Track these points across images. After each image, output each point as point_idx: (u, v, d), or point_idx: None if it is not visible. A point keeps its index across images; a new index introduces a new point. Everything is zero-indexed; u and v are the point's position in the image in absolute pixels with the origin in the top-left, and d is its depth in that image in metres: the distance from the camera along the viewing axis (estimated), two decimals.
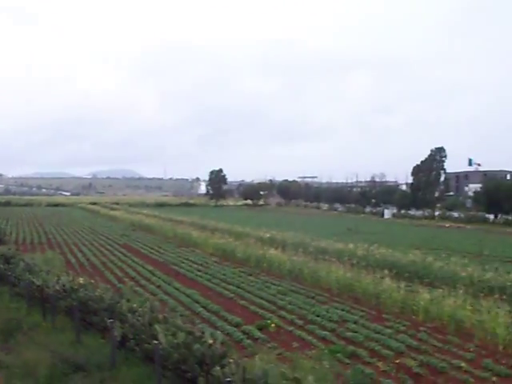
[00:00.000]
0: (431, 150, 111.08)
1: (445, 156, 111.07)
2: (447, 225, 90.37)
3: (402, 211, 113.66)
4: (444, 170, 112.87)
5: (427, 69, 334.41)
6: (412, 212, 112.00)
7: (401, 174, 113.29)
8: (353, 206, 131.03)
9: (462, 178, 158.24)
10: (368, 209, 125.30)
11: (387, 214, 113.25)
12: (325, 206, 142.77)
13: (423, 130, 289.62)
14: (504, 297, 23.47)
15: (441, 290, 23.70)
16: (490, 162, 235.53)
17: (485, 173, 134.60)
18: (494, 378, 15.41)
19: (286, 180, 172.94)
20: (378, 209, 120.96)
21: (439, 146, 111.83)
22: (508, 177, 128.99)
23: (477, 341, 19.22)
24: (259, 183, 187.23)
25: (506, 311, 19.89)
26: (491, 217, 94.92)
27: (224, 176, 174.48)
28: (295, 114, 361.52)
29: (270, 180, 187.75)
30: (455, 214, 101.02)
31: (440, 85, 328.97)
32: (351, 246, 39.70)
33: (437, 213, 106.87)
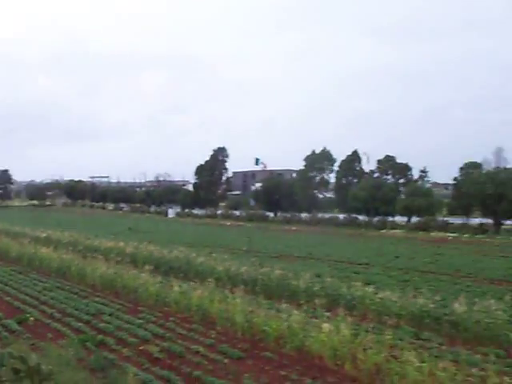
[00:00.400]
0: (213, 150, 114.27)
1: (227, 156, 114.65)
2: (228, 223, 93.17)
3: (186, 210, 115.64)
4: (226, 169, 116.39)
5: (222, 68, 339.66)
6: (196, 211, 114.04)
7: (191, 174, 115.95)
8: (138, 205, 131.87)
9: (250, 176, 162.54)
10: (153, 208, 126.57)
11: (171, 213, 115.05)
12: (111, 206, 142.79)
13: (217, 130, 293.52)
14: (249, 288, 25.57)
15: (193, 283, 25.29)
16: (279, 161, 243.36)
17: (271, 172, 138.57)
18: (226, 360, 16.79)
19: (73, 180, 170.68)
20: (163, 208, 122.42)
21: (221, 146, 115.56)
22: (294, 175, 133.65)
23: (219, 328, 20.65)
24: (46, 183, 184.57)
25: (245, 301, 21.53)
26: (271, 214, 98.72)
27: (9, 176, 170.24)
28: (90, 112, 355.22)
29: (57, 180, 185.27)
30: (237, 213, 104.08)
31: (234, 84, 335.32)
32: (122, 243, 40.80)
33: (220, 211, 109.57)
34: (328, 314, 19.58)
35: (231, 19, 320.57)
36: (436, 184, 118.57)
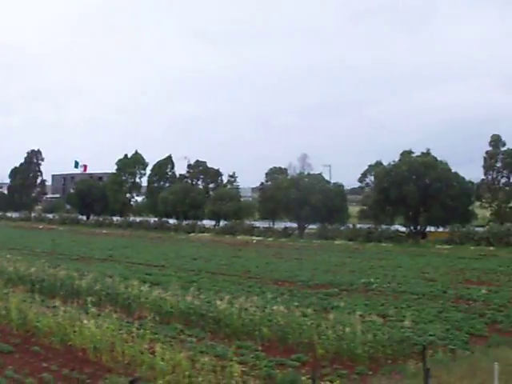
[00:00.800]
0: (27, 153, 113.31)
1: (42, 158, 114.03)
2: (41, 226, 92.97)
3: (0, 213, 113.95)
4: (41, 172, 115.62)
5: (49, 67, 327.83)
6: (10, 214, 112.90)
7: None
8: None
9: (69, 179, 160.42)
10: None
11: None
12: None
13: (43, 131, 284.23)
14: (36, 287, 27.43)
15: None
16: (103, 165, 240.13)
17: (91, 175, 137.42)
18: None
19: None
20: None
21: (35, 148, 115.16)
22: None
23: None
24: None
25: (24, 299, 22.95)
26: (84, 218, 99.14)
27: None
28: None
29: None
30: (50, 216, 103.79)
31: (61, 84, 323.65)
32: None
33: (34, 214, 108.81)
34: (97, 310, 21.22)
35: (59, 16, 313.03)
36: (257, 189, 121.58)
